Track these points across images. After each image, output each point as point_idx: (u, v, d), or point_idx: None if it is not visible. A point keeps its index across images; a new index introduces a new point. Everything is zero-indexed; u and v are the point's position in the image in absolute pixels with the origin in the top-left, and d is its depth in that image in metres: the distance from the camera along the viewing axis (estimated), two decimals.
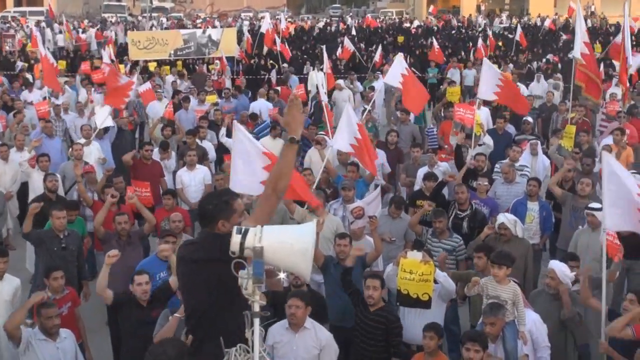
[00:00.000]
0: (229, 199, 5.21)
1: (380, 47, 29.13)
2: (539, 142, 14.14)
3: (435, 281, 8.17)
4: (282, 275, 4.49)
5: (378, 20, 56.76)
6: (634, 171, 12.11)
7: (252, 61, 30.88)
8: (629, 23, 18.40)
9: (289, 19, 51.05)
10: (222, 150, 14.77)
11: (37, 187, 12.53)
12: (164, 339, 5.24)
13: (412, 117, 16.91)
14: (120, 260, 8.57)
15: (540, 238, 11.19)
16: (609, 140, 14.40)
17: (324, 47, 23.03)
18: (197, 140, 14.68)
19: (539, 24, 53.25)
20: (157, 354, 4.89)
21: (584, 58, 16.17)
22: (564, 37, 40.24)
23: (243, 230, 4.40)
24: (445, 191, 11.67)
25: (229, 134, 15.41)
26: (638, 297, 7.66)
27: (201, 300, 5.11)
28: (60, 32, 44.83)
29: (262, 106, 19.57)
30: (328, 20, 59.92)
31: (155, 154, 13.83)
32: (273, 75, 27.33)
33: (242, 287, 4.37)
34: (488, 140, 14.33)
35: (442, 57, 29.37)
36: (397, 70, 14.25)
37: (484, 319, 7.33)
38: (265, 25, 34.76)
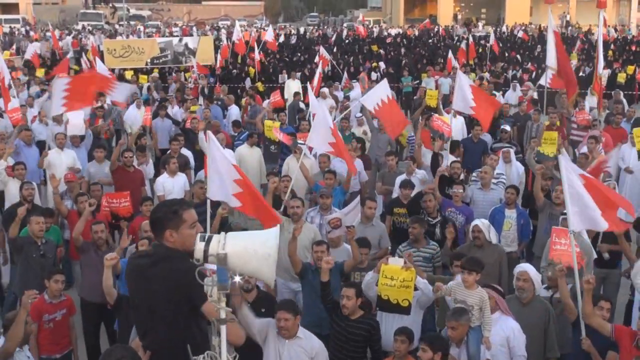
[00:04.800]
0: (179, 208, 5.08)
1: (345, 72, 28.81)
2: (511, 149, 14.20)
3: (416, 288, 8.21)
4: (237, 279, 4.48)
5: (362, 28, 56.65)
6: (608, 180, 12.29)
7: (229, 68, 30.95)
8: (602, 32, 18.64)
9: (265, 28, 50.97)
10: (200, 159, 14.76)
11: (12, 195, 12.41)
12: (117, 345, 5.22)
13: None
14: (98, 269, 8.50)
15: (518, 245, 11.27)
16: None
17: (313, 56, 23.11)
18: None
19: (515, 32, 53.74)
20: (117, 357, 4.84)
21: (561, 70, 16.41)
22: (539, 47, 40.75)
23: (207, 237, 4.41)
24: None
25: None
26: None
27: (159, 315, 5.05)
28: (37, 40, 44.64)
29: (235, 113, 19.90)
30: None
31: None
32: (247, 84, 27.41)
33: (208, 294, 4.38)
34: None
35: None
36: (378, 94, 13.68)
37: (447, 322, 7.41)
38: (237, 34, 34.78)
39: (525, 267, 8.36)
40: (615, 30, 56.77)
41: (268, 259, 4.39)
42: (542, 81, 19.14)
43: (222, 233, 4.45)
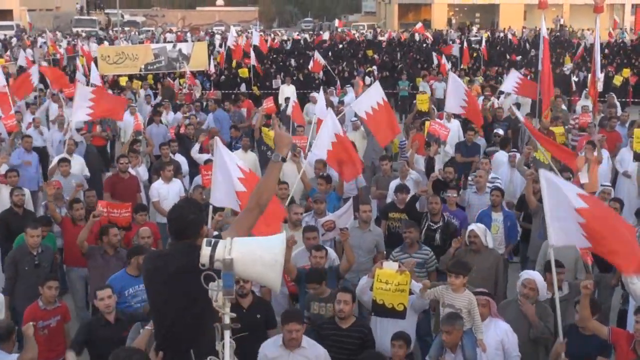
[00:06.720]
0: (201, 209, 5.24)
1: (338, 82, 28.45)
2: (517, 154, 14.16)
3: (411, 292, 8.18)
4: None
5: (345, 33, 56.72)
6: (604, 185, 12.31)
7: (224, 73, 30.94)
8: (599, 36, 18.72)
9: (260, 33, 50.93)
10: (194, 165, 14.78)
11: (5, 202, 12.36)
12: (130, 347, 5.17)
13: None
14: (103, 274, 8.53)
15: (505, 247, 11.22)
16: None
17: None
18: (170, 154, 14.64)
19: (509, 36, 53.82)
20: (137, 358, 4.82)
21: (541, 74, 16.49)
22: (533, 51, 40.82)
23: (213, 242, 4.39)
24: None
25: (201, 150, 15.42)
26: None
27: (179, 313, 5.02)
28: (29, 46, 44.56)
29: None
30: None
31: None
32: (243, 89, 27.42)
33: (213, 299, 4.35)
34: (448, 149, 14.46)
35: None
36: (370, 99, 13.31)
37: (441, 327, 7.40)
38: (232, 40, 34.83)
39: (532, 275, 8.33)
40: (623, 32, 56.85)
41: (274, 265, 4.37)
42: None
43: (229, 238, 4.42)
